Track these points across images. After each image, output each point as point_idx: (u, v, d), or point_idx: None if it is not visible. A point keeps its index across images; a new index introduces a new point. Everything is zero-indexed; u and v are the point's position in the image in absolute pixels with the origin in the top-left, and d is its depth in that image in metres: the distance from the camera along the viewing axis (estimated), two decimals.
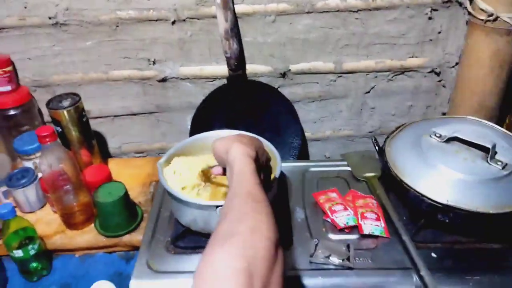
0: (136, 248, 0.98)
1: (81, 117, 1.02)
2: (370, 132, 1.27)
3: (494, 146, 0.78)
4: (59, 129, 1.01)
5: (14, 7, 1.04)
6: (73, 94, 1.03)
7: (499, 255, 0.79)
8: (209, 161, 0.87)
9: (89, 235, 1.00)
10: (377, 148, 0.90)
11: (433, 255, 0.78)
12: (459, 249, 0.80)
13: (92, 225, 1.02)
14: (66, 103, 1.00)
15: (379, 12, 1.07)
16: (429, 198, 0.75)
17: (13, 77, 1.09)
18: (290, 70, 1.15)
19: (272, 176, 0.81)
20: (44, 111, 1.19)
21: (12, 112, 1.08)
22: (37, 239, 0.92)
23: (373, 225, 0.82)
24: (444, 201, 0.74)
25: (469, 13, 1.02)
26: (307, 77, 1.17)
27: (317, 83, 1.18)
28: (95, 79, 1.15)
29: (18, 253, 0.89)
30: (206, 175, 0.87)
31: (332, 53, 1.13)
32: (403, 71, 1.16)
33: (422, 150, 0.82)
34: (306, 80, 1.17)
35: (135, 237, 0.98)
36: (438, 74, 1.17)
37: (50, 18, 1.05)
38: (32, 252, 0.90)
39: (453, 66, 1.15)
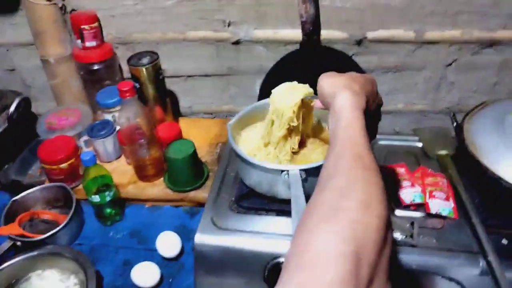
0: (200, 204, 1.03)
1: (157, 75, 1.06)
2: (447, 108, 1.20)
3: None
4: (137, 85, 1.06)
5: None
6: (152, 53, 1.08)
7: None
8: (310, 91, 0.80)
9: (158, 188, 1.06)
10: (455, 123, 0.84)
11: (504, 241, 0.74)
12: None
13: (162, 179, 1.08)
14: (145, 60, 1.05)
15: None
16: (508, 182, 0.70)
17: (99, 33, 1.15)
18: (366, 37, 1.10)
19: None
20: (124, 68, 1.26)
21: (96, 67, 1.15)
22: (113, 187, 0.99)
23: (441, 205, 0.79)
24: None
25: None
26: (384, 46, 1.12)
27: (394, 52, 1.12)
28: (172, 39, 1.19)
29: (96, 198, 0.97)
30: (306, 106, 0.80)
31: (414, 21, 1.07)
32: (491, 44, 1.07)
33: (505, 130, 0.76)
34: (383, 49, 1.12)
35: (201, 194, 1.02)
36: None
37: None
38: (108, 198, 0.98)
39: None
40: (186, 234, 0.97)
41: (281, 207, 0.81)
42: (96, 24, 1.13)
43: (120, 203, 1.04)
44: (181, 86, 1.29)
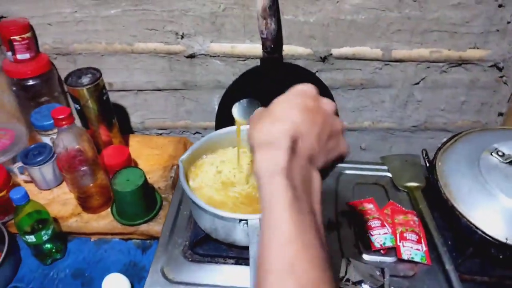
0: (153, 237, 0.93)
1: (101, 95, 0.94)
2: (413, 126, 1.15)
3: None
4: (77, 106, 0.94)
5: None
6: (94, 69, 0.95)
7: None
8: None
9: (105, 221, 0.95)
10: (427, 163, 0.79)
11: None
12: (510, 286, 0.70)
13: (109, 209, 0.97)
14: (86, 79, 0.92)
15: None
16: (485, 233, 0.66)
17: (32, 44, 1.01)
18: (331, 54, 1.03)
19: None
20: None
21: (31, 82, 1.01)
22: (50, 224, 0.87)
23: (413, 249, 0.73)
24: (502, 239, 0.64)
25: None
26: (350, 62, 1.05)
27: (360, 69, 1.06)
28: (119, 50, 1.06)
29: (31, 239, 0.85)
30: None
31: (381, 38, 1.00)
32: (460, 63, 1.03)
33: (481, 171, 0.71)
34: (348, 66, 1.05)
35: (153, 227, 0.92)
36: (500, 69, 1.03)
37: None
38: (45, 238, 0.86)
39: None
40: (137, 274, 0.88)
41: (240, 253, 0.74)
42: (28, 35, 0.99)
43: (61, 238, 0.92)
44: (131, 101, 1.17)
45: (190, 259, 0.74)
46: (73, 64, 1.09)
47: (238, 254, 0.73)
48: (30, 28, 1.00)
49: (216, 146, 0.84)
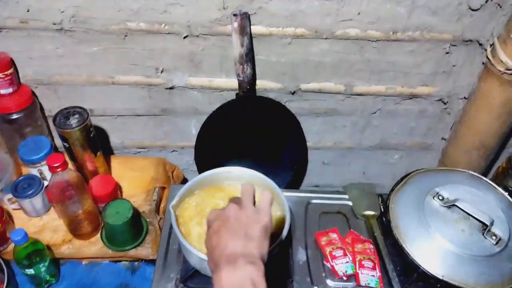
0: (141, 259, 1.03)
1: (89, 133, 1.00)
2: (370, 146, 1.30)
3: (492, 223, 0.83)
4: (66, 144, 1.00)
5: (16, 9, 0.96)
6: (80, 108, 1.00)
7: None
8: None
9: (96, 247, 1.03)
10: (382, 208, 0.93)
11: None
12: None
13: (98, 235, 1.05)
14: (74, 120, 0.98)
15: (398, 43, 1.04)
16: (426, 271, 0.81)
17: (15, 78, 1.04)
18: (300, 88, 1.13)
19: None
20: (46, 106, 1.16)
21: (15, 116, 1.05)
22: (47, 256, 0.95)
23: (369, 275, 0.88)
24: (439, 276, 0.80)
25: (488, 59, 1.01)
26: (316, 95, 1.16)
27: (325, 100, 1.18)
28: (100, 82, 1.12)
29: (30, 271, 0.93)
30: None
31: (344, 76, 1.12)
32: (411, 97, 1.17)
33: (425, 214, 0.86)
34: (315, 98, 1.17)
35: (141, 251, 1.02)
36: (445, 103, 1.18)
37: (54, 24, 0.98)
38: (43, 269, 0.94)
39: (461, 98, 1.16)
40: None
41: None
42: (11, 71, 1.02)
43: (55, 263, 1.00)
44: (110, 124, 1.23)
45: None
46: (54, 92, 1.13)
47: None
48: (11, 64, 1.03)
49: (201, 186, 0.94)
